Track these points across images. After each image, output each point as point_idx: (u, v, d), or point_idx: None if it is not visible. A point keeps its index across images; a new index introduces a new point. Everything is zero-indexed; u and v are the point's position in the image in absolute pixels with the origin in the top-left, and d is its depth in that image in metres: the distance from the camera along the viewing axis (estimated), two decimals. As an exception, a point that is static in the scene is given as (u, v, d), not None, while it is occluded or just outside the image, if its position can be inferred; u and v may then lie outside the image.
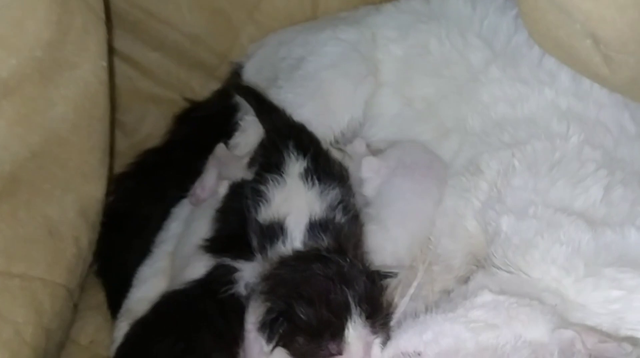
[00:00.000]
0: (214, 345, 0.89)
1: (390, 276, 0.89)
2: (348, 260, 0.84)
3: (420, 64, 1.09)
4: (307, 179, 0.94)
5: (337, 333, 0.78)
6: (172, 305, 0.93)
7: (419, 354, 0.74)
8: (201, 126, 1.26)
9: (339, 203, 0.93)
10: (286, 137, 1.00)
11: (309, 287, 0.81)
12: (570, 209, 0.84)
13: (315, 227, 0.90)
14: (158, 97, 1.37)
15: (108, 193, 1.11)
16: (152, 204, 1.16)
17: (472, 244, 0.94)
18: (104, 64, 0.99)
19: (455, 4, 1.12)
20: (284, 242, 0.89)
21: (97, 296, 1.13)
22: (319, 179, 0.94)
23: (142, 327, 0.92)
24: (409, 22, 1.13)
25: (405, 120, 1.10)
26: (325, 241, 0.88)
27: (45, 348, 0.92)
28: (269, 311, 0.82)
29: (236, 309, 0.90)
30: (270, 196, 0.94)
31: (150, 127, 1.37)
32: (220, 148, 1.12)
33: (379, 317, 0.80)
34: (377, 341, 0.80)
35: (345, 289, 0.79)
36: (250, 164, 1.05)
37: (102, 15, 1.00)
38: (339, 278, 0.81)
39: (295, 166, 0.97)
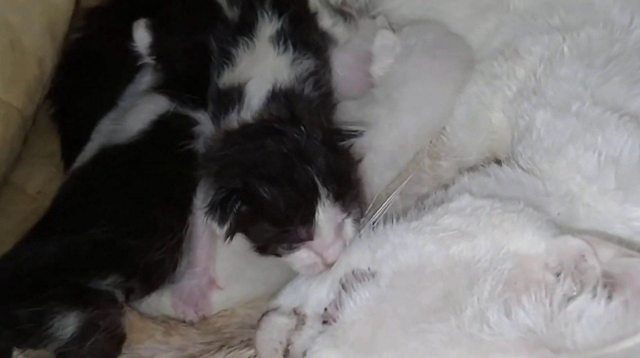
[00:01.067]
0: (166, 210, 0.79)
1: (355, 136, 0.78)
2: (304, 131, 0.72)
3: None
4: (278, 43, 0.83)
5: (307, 217, 0.68)
6: (115, 160, 0.83)
7: (373, 274, 0.60)
8: None
9: (310, 75, 0.82)
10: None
11: (268, 166, 0.70)
12: (623, 110, 0.70)
13: (278, 97, 0.79)
14: None
15: (77, 29, 0.97)
16: (126, 49, 0.97)
17: (493, 139, 0.81)
18: None
19: None
20: (238, 110, 0.79)
21: (52, 145, 0.99)
22: (293, 45, 0.83)
23: (80, 181, 0.82)
24: None
25: None
26: (282, 112, 0.77)
27: None
28: (220, 189, 0.71)
29: (193, 169, 0.80)
30: (237, 59, 0.84)
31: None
32: None
33: (348, 193, 0.70)
34: (349, 220, 0.70)
35: (308, 167, 0.69)
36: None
37: None
38: (297, 154, 0.70)
39: (268, 27, 0.85)
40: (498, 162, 0.76)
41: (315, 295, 0.66)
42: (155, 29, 0.91)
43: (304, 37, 0.85)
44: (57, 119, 0.99)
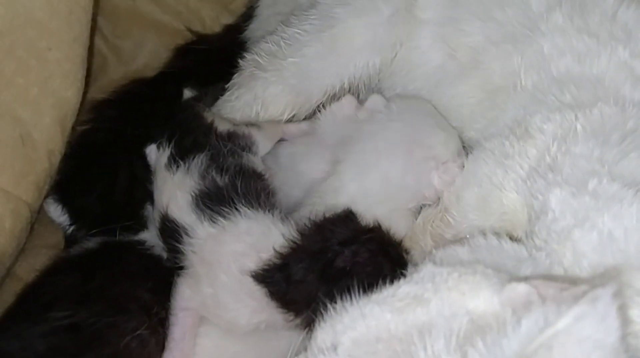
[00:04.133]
0: (133, 285, 0.79)
1: None
2: None
3: (470, 2, 0.91)
4: (170, 166, 0.86)
5: None
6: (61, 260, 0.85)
7: (335, 347, 0.58)
8: (201, 61, 1.13)
9: (208, 167, 0.84)
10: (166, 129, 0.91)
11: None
12: (641, 185, 0.67)
13: (202, 203, 0.81)
14: (161, 25, 1.22)
15: (84, 121, 0.99)
16: (131, 141, 0.99)
17: (505, 221, 0.78)
18: None
19: None
20: (186, 233, 0.81)
21: (56, 236, 0.98)
22: (181, 159, 0.85)
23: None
24: None
25: (447, 76, 0.92)
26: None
27: None
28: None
29: (157, 262, 0.84)
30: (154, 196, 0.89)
31: (148, 57, 1.22)
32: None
33: None
34: None
35: None
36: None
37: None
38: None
39: (162, 158, 0.88)
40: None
41: None
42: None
43: (187, 146, 0.87)
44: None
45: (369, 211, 0.80)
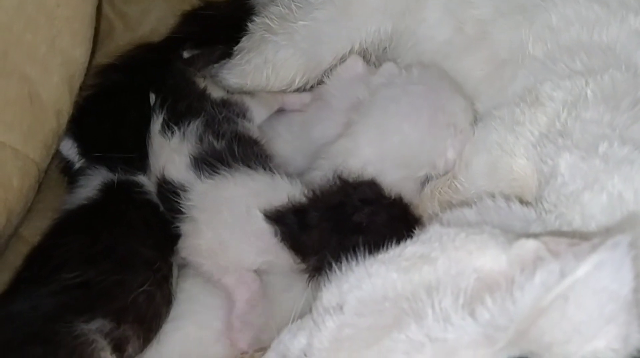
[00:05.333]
0: (140, 247, 0.80)
1: None
2: None
3: None
4: (164, 132, 0.86)
5: None
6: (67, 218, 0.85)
7: (340, 306, 0.59)
8: (207, 26, 1.11)
9: (204, 133, 0.84)
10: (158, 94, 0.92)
11: None
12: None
13: (200, 165, 0.82)
14: (168, -9, 1.21)
15: (88, 87, 0.98)
16: (135, 107, 0.99)
17: (514, 187, 0.78)
18: None
19: None
20: (183, 189, 0.82)
21: (62, 199, 0.97)
22: (175, 125, 0.86)
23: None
24: None
25: (454, 49, 0.92)
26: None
27: (2, 231, 0.79)
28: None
29: (156, 213, 0.85)
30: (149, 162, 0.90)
31: (155, 23, 1.20)
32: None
33: None
34: None
35: None
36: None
37: None
38: None
39: (156, 123, 0.88)
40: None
41: (295, 342, 0.64)
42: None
43: (181, 111, 0.87)
44: (66, 173, 0.98)
45: (379, 177, 0.80)
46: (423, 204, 0.85)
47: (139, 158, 0.92)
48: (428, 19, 0.93)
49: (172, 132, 0.85)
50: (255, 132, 0.87)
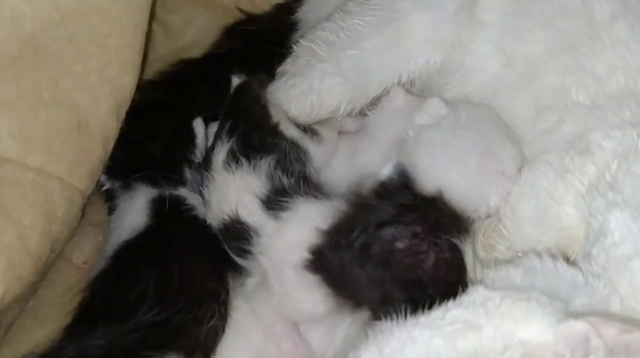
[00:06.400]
0: (205, 278, 0.81)
1: None
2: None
3: (533, 10, 0.88)
4: (229, 164, 0.84)
5: None
6: (133, 243, 0.85)
7: None
8: (250, 42, 1.11)
9: (275, 170, 0.83)
10: (227, 119, 0.90)
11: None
12: None
13: (271, 200, 0.81)
14: (211, 1, 1.21)
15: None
16: (176, 122, 1.00)
17: (562, 236, 0.77)
18: None
19: None
20: (256, 235, 0.81)
21: (100, 214, 0.99)
22: (244, 156, 0.84)
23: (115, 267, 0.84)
24: None
25: (502, 85, 0.90)
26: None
27: (46, 261, 0.80)
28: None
29: (207, 231, 0.85)
30: (208, 199, 0.87)
31: (196, 34, 1.21)
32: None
33: None
34: None
35: None
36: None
37: None
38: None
39: (220, 153, 0.86)
40: (567, 260, 0.72)
41: None
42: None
43: (254, 145, 0.85)
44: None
45: None
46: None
47: (177, 173, 0.93)
48: (478, 52, 0.91)
49: (239, 165, 0.84)
50: (317, 178, 0.87)
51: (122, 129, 0.91)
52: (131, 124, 0.95)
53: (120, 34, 0.79)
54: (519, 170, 0.83)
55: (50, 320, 0.86)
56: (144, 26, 0.83)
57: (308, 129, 0.92)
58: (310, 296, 0.75)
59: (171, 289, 0.79)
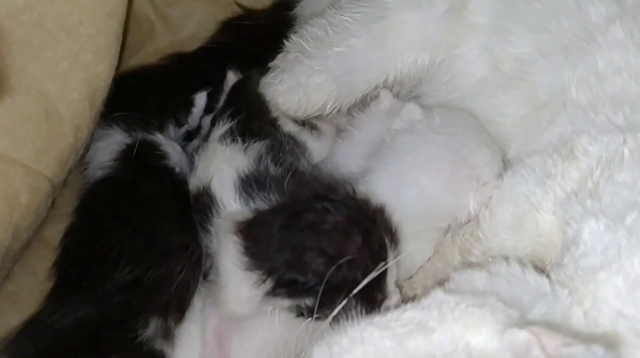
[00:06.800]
0: (174, 230, 0.80)
1: None
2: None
3: (523, 11, 0.86)
4: (225, 139, 0.84)
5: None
6: (101, 194, 0.85)
7: None
8: (244, 38, 1.10)
9: (266, 154, 0.82)
10: (228, 106, 0.90)
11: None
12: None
13: (248, 183, 0.79)
14: (211, -6, 1.21)
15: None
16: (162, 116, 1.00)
17: (538, 243, 0.74)
18: None
19: None
20: (217, 212, 0.79)
21: None
22: (240, 136, 0.83)
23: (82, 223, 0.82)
24: None
25: (489, 87, 0.88)
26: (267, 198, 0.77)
27: (8, 247, 0.79)
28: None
29: (176, 182, 0.85)
30: (195, 164, 0.87)
31: (196, 27, 1.20)
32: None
33: None
34: None
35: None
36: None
37: None
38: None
39: (219, 130, 0.87)
40: (541, 270, 0.69)
41: None
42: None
43: (252, 129, 0.85)
44: None
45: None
46: (442, 249, 0.83)
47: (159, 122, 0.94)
48: (465, 55, 0.89)
49: (233, 142, 0.84)
50: (308, 172, 0.86)
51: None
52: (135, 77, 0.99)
53: (91, 22, 0.79)
54: (498, 176, 0.81)
55: (29, 306, 0.85)
56: (119, 14, 0.83)
57: (307, 123, 0.92)
58: (239, 288, 0.72)
59: (141, 245, 0.78)
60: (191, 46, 1.14)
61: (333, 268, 0.67)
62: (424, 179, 0.79)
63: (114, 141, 0.90)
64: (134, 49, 1.16)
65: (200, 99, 0.99)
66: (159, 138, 0.91)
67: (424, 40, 0.89)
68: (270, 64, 0.97)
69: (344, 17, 0.92)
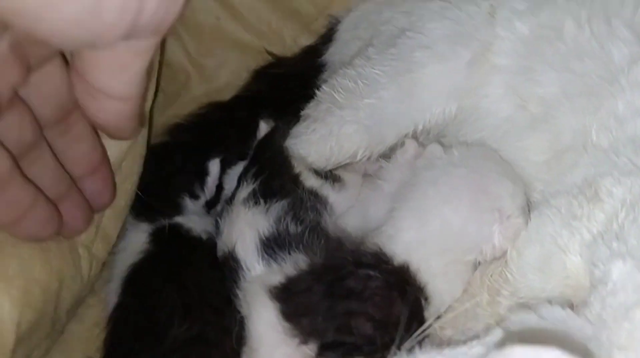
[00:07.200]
0: (211, 285, 0.83)
1: None
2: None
3: (547, 52, 0.87)
4: (248, 201, 0.86)
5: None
6: (141, 270, 0.87)
7: None
8: (276, 85, 1.15)
9: (286, 214, 0.84)
10: (252, 165, 0.92)
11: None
12: None
13: (269, 245, 0.81)
14: (244, 44, 1.25)
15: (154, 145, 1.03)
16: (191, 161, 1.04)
17: (567, 285, 0.75)
18: None
19: None
20: (243, 276, 0.81)
21: None
22: (262, 198, 0.86)
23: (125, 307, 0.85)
24: None
25: (515, 127, 0.89)
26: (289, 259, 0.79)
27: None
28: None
29: (208, 249, 0.88)
30: (221, 228, 0.89)
31: (230, 75, 1.25)
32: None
33: None
34: None
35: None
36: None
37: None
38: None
39: (243, 191, 0.89)
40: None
41: None
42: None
43: (274, 189, 0.87)
44: None
45: (425, 263, 0.78)
46: (471, 289, 0.83)
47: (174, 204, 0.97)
48: (490, 95, 0.91)
49: (255, 204, 0.86)
50: (332, 228, 0.87)
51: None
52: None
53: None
54: (522, 210, 0.82)
55: (77, 353, 0.90)
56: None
57: (329, 176, 0.93)
58: (273, 351, 0.74)
59: (193, 303, 0.80)
60: (225, 94, 1.19)
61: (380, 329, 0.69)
62: (446, 211, 0.80)
63: (143, 229, 0.93)
64: (171, 99, 1.22)
65: (214, 166, 1.01)
66: (179, 219, 0.93)
67: (451, 90, 0.91)
68: (302, 113, 1.00)
69: (374, 70, 0.94)
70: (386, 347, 0.68)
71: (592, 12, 0.86)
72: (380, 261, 0.76)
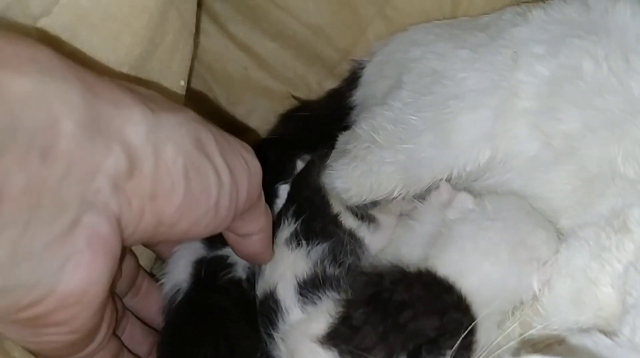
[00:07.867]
0: (247, 333, 0.83)
1: None
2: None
3: (568, 91, 0.89)
4: (290, 242, 0.87)
5: None
6: (183, 315, 0.86)
7: None
8: (302, 127, 1.18)
9: (325, 257, 0.84)
10: (291, 202, 0.94)
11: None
12: None
13: (306, 288, 0.82)
14: (271, 91, 1.28)
15: None
16: None
17: (599, 317, 0.76)
18: (183, 83, 0.91)
19: (622, 16, 0.91)
20: (282, 317, 0.81)
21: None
22: (305, 239, 0.86)
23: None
24: (561, 34, 0.94)
25: (541, 163, 0.90)
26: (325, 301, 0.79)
27: None
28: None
29: (243, 293, 0.87)
30: (263, 268, 0.87)
31: (259, 121, 1.29)
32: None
33: None
34: None
35: None
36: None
37: (193, 29, 0.92)
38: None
39: (285, 231, 0.89)
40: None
41: None
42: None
43: (315, 230, 0.88)
44: None
45: None
46: (502, 323, 0.83)
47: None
48: (517, 136, 0.93)
49: (298, 245, 0.86)
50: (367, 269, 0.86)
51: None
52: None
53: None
54: (556, 253, 0.82)
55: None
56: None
57: (365, 217, 0.95)
58: None
59: (223, 351, 0.80)
60: (254, 140, 1.21)
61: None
62: (485, 266, 0.80)
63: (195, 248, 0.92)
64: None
65: (284, 191, 0.99)
66: (225, 251, 0.91)
67: (483, 137, 0.93)
68: (343, 147, 1.03)
69: (412, 117, 0.97)
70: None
71: (608, 50, 0.88)
72: (404, 273, 0.77)
